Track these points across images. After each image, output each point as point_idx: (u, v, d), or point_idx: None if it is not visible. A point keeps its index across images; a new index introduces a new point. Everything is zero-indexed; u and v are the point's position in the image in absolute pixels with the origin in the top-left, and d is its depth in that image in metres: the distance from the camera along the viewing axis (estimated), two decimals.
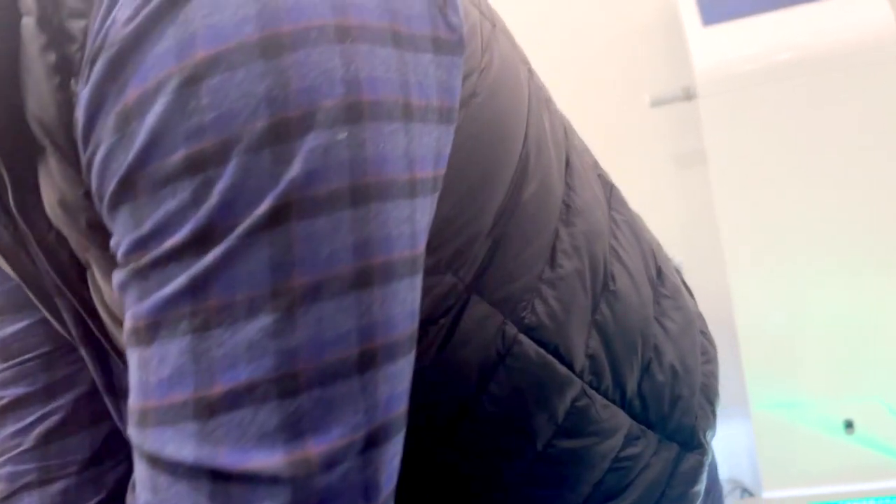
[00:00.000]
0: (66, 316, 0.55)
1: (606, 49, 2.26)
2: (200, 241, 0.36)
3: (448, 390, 0.53)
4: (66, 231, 0.48)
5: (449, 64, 0.44)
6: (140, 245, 0.38)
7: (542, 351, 0.54)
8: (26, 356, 0.67)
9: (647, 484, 0.61)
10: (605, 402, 0.58)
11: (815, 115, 1.83)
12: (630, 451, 0.60)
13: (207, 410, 0.37)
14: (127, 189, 0.37)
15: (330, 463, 0.37)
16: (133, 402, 0.40)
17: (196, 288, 0.36)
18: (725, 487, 2.24)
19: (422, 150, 0.41)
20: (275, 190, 0.36)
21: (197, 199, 0.36)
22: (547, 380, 0.55)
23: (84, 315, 0.55)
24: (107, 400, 0.61)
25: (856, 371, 1.90)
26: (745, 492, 2.21)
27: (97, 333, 0.56)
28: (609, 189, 0.66)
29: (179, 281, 0.37)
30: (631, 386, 0.59)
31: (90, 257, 0.49)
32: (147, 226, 0.37)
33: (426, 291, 0.46)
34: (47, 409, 0.66)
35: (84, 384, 0.67)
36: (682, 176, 2.23)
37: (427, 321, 0.49)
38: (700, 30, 1.90)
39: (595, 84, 2.28)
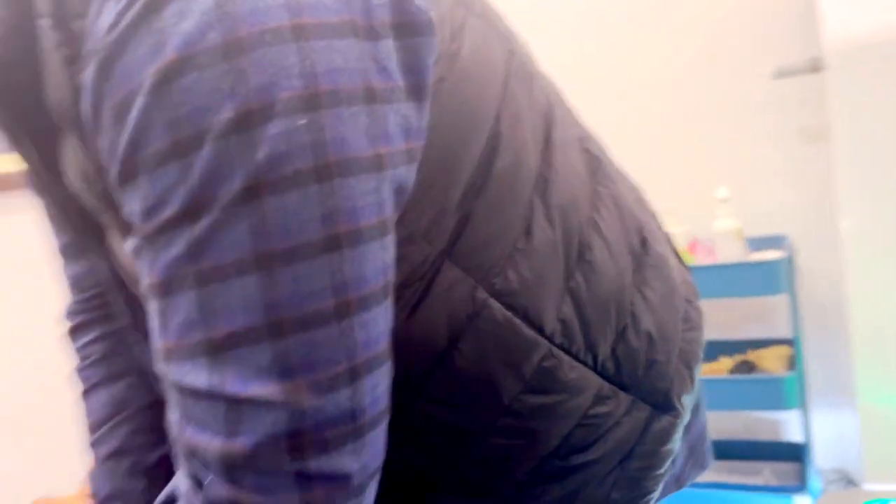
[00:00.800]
0: (103, 266, 0.69)
1: (729, 16, 2.17)
2: (190, 213, 0.44)
3: (421, 347, 0.59)
4: (85, 198, 0.56)
5: (416, 45, 0.49)
6: (146, 216, 0.46)
7: (509, 315, 0.59)
8: (90, 291, 0.85)
9: (617, 441, 0.66)
10: (573, 363, 0.62)
11: None
12: (599, 409, 0.64)
13: (214, 349, 0.46)
14: (128, 170, 0.45)
15: (318, 392, 0.46)
16: (156, 342, 0.49)
17: (193, 252, 0.45)
18: (830, 476, 2.17)
19: (388, 127, 0.47)
20: (245, 170, 0.43)
21: (182, 178, 0.43)
22: (514, 341, 0.60)
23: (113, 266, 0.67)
24: (135, 337, 0.75)
25: None
26: (850, 482, 2.15)
27: (125, 282, 0.68)
28: (596, 163, 0.68)
29: (179, 246, 0.45)
30: (604, 350, 0.64)
31: (106, 221, 0.57)
32: (149, 200, 0.45)
33: (401, 259, 0.53)
34: (107, 329, 0.85)
35: None
36: (802, 152, 2.13)
37: (402, 285, 0.56)
38: None
39: (716, 53, 2.20)
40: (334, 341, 0.46)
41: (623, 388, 0.65)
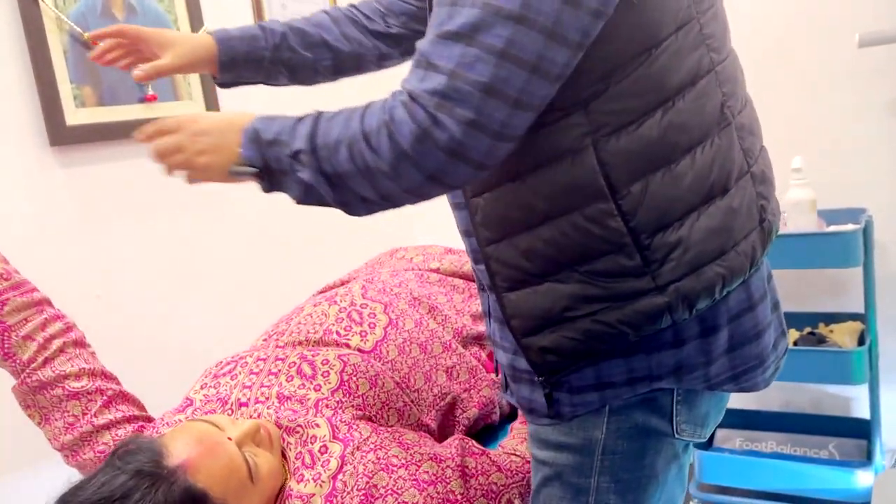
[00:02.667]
0: None
1: None
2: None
3: (534, 151, 0.85)
4: None
5: None
6: None
7: (596, 164, 0.84)
8: None
9: (623, 288, 0.87)
10: (618, 218, 0.84)
11: None
12: (620, 259, 0.86)
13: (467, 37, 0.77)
14: None
15: (515, 63, 0.76)
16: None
17: None
18: (891, 458, 2.15)
19: None
20: None
21: None
22: (589, 182, 0.84)
23: None
24: None
25: None
26: None
27: None
28: (726, 124, 0.88)
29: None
30: (645, 227, 0.84)
31: None
32: None
33: (561, 92, 0.80)
34: None
35: None
36: (885, 125, 2.07)
37: (550, 108, 0.81)
38: None
39: (799, 20, 2.15)
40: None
41: (644, 259, 0.85)
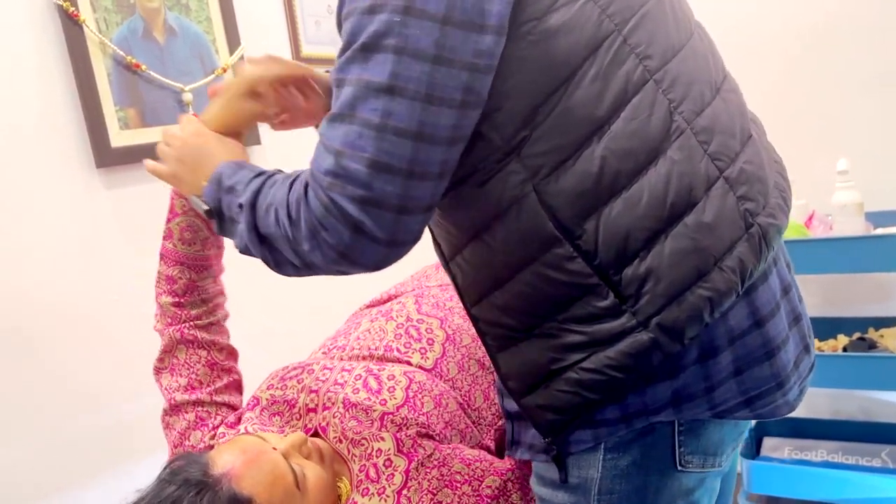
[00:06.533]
0: None
1: None
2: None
3: (479, 210, 0.84)
4: None
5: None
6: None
7: (541, 209, 0.80)
8: None
9: (603, 331, 0.82)
10: (579, 260, 0.80)
11: None
12: (594, 301, 0.81)
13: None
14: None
15: (396, 133, 0.75)
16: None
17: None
18: None
19: (456, 42, 0.75)
20: (366, 31, 0.75)
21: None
22: (539, 228, 0.81)
23: None
24: None
25: None
26: None
27: None
28: (678, 133, 0.81)
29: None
30: (610, 263, 0.80)
31: None
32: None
33: (486, 147, 0.80)
34: None
35: None
36: None
37: (480, 164, 0.81)
38: None
39: (843, 20, 2.11)
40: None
41: (618, 297, 0.80)
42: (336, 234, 0.78)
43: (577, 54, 0.78)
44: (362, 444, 1.10)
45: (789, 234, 1.94)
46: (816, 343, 2.07)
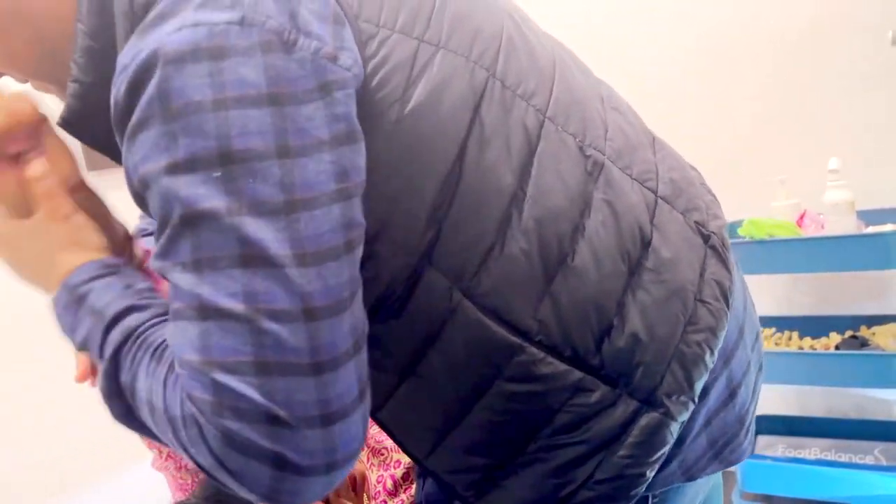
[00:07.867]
0: None
1: None
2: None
3: (404, 342, 0.67)
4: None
5: (345, 97, 0.57)
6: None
7: (481, 315, 0.65)
8: None
9: (602, 428, 0.68)
10: (549, 358, 0.66)
11: None
12: (581, 399, 0.67)
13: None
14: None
15: (274, 318, 0.53)
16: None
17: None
18: None
19: (307, 175, 0.54)
20: (178, 203, 0.54)
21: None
22: (487, 338, 0.65)
23: None
24: None
25: None
26: None
27: None
28: (596, 168, 0.70)
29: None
30: (585, 346, 0.67)
31: None
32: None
33: (386, 270, 0.63)
34: None
35: None
36: None
37: (388, 290, 0.64)
38: None
39: (832, 18, 2.13)
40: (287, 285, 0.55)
41: (607, 382, 0.67)
42: (253, 477, 0.54)
43: (458, 120, 0.63)
44: (382, 454, 1.09)
45: (782, 232, 1.96)
46: (809, 341, 2.09)
